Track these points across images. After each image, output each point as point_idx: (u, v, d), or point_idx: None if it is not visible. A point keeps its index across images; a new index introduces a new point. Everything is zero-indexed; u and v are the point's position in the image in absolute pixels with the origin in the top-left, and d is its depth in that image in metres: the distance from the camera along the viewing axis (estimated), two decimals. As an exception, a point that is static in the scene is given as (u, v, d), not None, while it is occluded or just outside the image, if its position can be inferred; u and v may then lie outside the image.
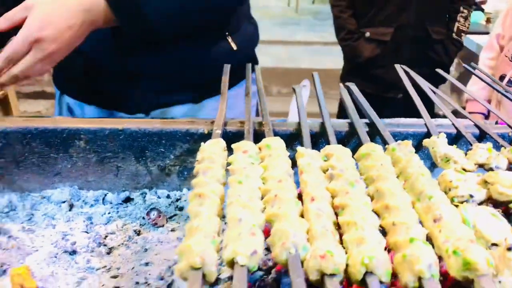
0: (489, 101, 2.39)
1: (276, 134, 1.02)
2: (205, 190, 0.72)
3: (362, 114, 1.06)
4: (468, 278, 0.56)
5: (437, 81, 2.48)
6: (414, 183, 0.75)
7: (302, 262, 0.59)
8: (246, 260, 0.58)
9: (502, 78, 2.25)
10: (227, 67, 1.19)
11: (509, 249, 0.59)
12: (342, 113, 2.91)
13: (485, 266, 0.55)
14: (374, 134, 1.00)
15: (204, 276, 0.58)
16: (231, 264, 0.59)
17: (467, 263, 0.55)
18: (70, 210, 1.05)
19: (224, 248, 0.61)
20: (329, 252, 0.57)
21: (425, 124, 1.05)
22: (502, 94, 1.24)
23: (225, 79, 1.14)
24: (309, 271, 0.57)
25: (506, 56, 2.25)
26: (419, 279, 0.56)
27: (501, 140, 0.95)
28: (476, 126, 1.06)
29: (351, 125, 1.02)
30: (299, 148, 0.84)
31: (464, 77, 2.54)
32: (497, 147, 0.91)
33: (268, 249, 0.79)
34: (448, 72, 2.96)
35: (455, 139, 1.04)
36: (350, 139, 1.07)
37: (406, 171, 0.79)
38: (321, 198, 0.69)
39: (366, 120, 1.07)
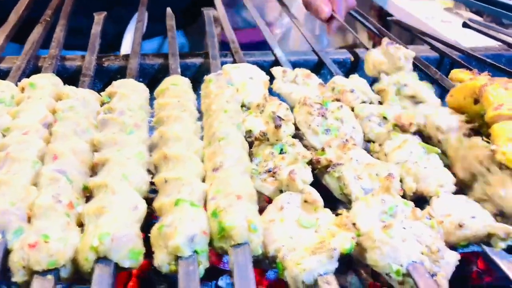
0: None
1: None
2: None
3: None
4: (223, 249, 0.41)
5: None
6: (212, 122, 0.58)
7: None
8: None
9: None
10: None
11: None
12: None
13: (244, 232, 0.40)
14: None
15: None
16: None
17: (223, 229, 0.40)
18: None
19: None
20: (44, 237, 0.38)
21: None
22: None
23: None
24: (13, 269, 0.38)
25: None
26: (177, 258, 0.40)
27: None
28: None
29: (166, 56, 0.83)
30: (65, 87, 0.63)
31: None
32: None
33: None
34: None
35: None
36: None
37: (210, 108, 0.62)
38: (69, 154, 0.49)
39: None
